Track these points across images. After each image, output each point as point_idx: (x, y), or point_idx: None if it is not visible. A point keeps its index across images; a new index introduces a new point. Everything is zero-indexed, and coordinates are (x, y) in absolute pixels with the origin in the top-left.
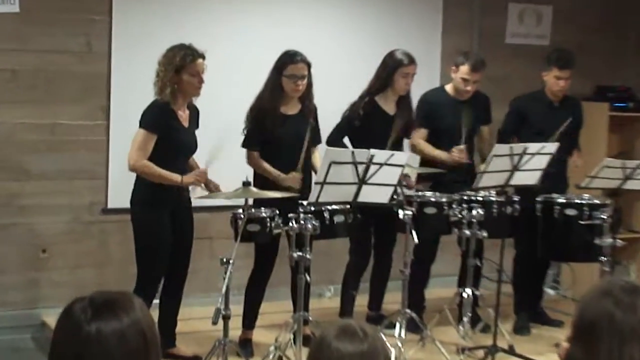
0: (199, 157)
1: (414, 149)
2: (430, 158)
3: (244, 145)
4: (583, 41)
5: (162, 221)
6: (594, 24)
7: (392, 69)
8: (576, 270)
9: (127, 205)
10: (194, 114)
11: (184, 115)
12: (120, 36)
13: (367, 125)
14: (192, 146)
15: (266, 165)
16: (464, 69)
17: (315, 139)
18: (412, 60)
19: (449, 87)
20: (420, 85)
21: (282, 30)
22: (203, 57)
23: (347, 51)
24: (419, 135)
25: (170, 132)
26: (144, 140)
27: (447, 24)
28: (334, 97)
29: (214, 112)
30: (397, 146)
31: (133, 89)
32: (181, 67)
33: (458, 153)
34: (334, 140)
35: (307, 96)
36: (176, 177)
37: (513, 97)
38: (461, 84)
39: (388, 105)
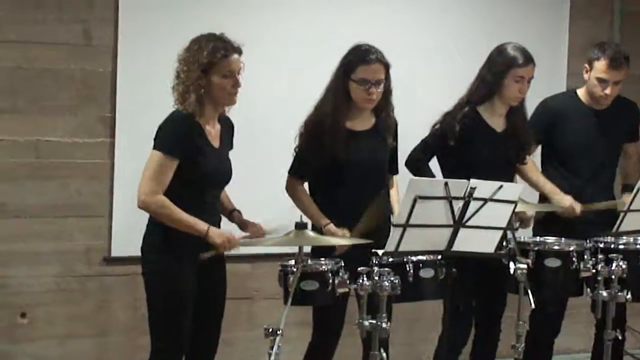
0: (235, 192)
1: (521, 173)
2: (532, 184)
3: (289, 170)
4: None
5: (185, 275)
6: None
7: (501, 70)
8: None
9: (137, 253)
10: (227, 129)
11: (213, 131)
12: (130, 24)
13: (465, 145)
14: (226, 174)
15: (309, 203)
16: (600, 65)
17: (392, 167)
18: (528, 59)
19: (581, 92)
20: (538, 92)
21: (345, 17)
22: (239, 52)
23: (437, 46)
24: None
25: (195, 155)
26: (160, 167)
27: (578, 4)
28: (419, 110)
29: (248, 127)
30: (507, 175)
31: (146, 95)
32: (210, 66)
33: (573, 207)
34: (418, 161)
35: (383, 107)
36: (200, 226)
37: None
38: (597, 86)
39: (494, 119)
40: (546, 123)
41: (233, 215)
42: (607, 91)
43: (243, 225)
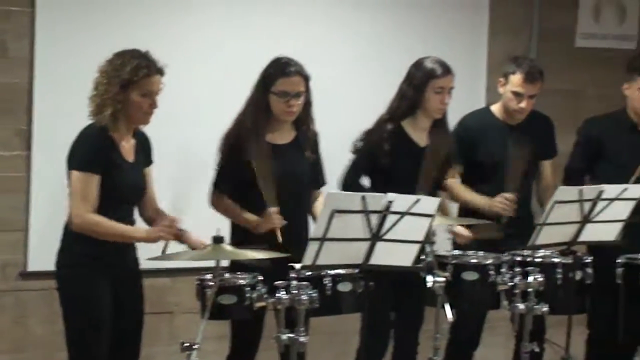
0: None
1: (447, 190)
2: (464, 204)
3: (213, 185)
4: None
5: (101, 290)
6: None
7: (421, 83)
8: None
9: (54, 267)
10: (142, 143)
11: (127, 145)
12: (48, 35)
13: (392, 162)
14: (140, 188)
15: (234, 209)
16: (515, 79)
17: (317, 179)
18: (446, 70)
19: (496, 108)
20: (459, 107)
21: (268, 32)
22: (162, 73)
23: (358, 60)
24: (452, 172)
25: (109, 169)
26: (84, 186)
27: (496, 22)
28: (341, 123)
29: (172, 142)
30: (431, 189)
31: (63, 108)
32: (130, 83)
33: (501, 203)
34: (351, 185)
35: (304, 120)
36: (139, 232)
37: (585, 120)
38: (512, 100)
39: (418, 133)
40: (466, 142)
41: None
42: (522, 105)
43: (193, 243)
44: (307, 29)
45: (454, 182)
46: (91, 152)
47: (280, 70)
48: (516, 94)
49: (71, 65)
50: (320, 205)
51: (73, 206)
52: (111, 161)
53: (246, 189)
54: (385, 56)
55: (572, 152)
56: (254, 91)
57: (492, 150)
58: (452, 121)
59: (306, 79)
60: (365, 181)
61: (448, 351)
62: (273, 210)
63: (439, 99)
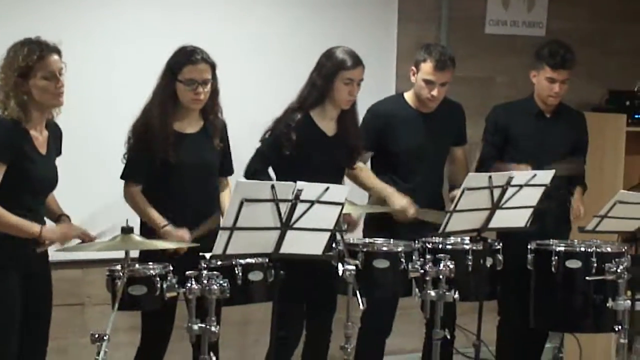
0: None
1: (355, 178)
2: (370, 192)
3: (123, 175)
4: (592, 32)
5: (8, 284)
6: (608, 9)
7: (330, 73)
8: (584, 343)
9: None
10: (55, 134)
11: (40, 137)
12: None
13: (299, 151)
14: (52, 180)
15: (148, 208)
16: (426, 67)
17: (225, 168)
18: (357, 61)
19: (408, 95)
20: (368, 95)
21: (173, 19)
22: (57, 52)
23: (267, 48)
24: (361, 159)
25: (21, 161)
26: None
27: (405, 9)
28: (249, 112)
29: (73, 132)
30: (337, 179)
31: None
32: (28, 70)
33: (401, 213)
34: (258, 171)
35: (211, 108)
36: (33, 228)
37: (493, 107)
38: (424, 88)
39: (326, 122)
40: (376, 129)
41: (61, 220)
42: (434, 93)
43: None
44: (215, 19)
45: (361, 166)
46: (1, 142)
47: (186, 58)
48: (427, 82)
49: None
50: (227, 194)
51: None
52: (23, 153)
53: (155, 179)
54: (292, 43)
55: (482, 140)
56: (161, 80)
57: (404, 138)
58: (362, 110)
59: (213, 66)
60: (272, 170)
61: (360, 339)
62: (187, 236)
63: (347, 90)
